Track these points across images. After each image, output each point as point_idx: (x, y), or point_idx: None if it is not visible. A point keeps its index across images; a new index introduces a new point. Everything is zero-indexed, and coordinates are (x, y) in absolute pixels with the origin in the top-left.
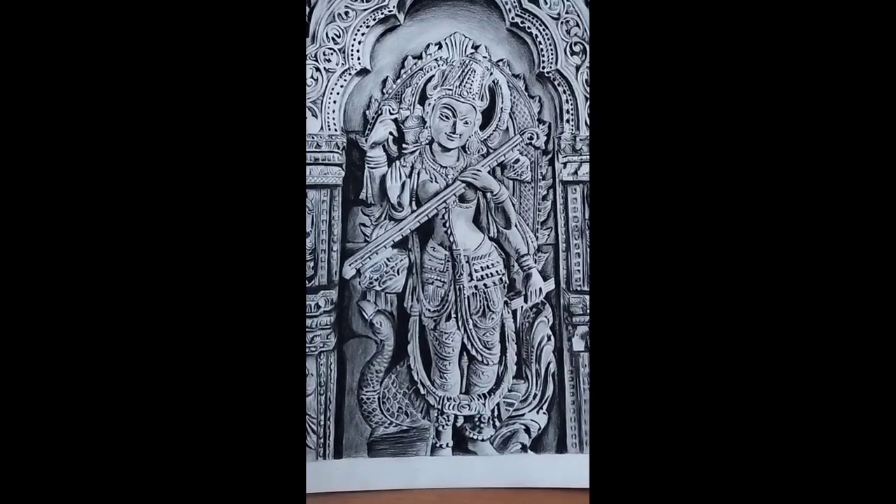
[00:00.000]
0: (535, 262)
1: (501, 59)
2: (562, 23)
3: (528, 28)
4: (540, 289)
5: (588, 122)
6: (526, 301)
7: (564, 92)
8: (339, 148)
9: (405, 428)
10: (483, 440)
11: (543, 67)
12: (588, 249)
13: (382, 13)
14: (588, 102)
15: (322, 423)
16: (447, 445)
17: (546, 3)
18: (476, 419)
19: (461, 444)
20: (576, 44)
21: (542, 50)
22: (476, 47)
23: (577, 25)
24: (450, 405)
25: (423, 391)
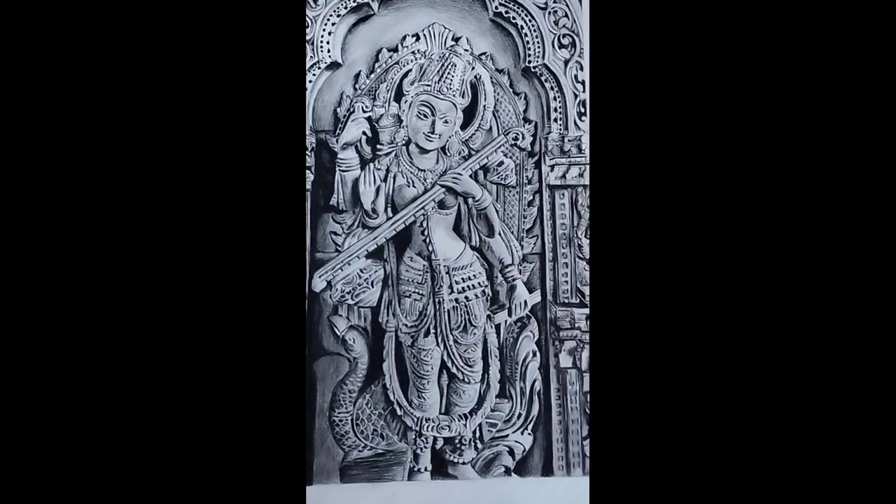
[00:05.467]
0: (521, 273)
1: (484, 53)
2: (549, 13)
3: (513, 19)
4: (525, 301)
5: (577, 123)
6: (510, 315)
7: (552, 89)
8: (308, 149)
9: (381, 451)
10: (464, 463)
11: (529, 62)
12: (577, 259)
13: (355, 1)
14: (577, 100)
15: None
16: (426, 469)
17: None
18: (457, 441)
19: (441, 468)
20: (564, 36)
21: (528, 43)
22: (457, 39)
23: (566, 16)
24: (428, 426)
25: (399, 412)
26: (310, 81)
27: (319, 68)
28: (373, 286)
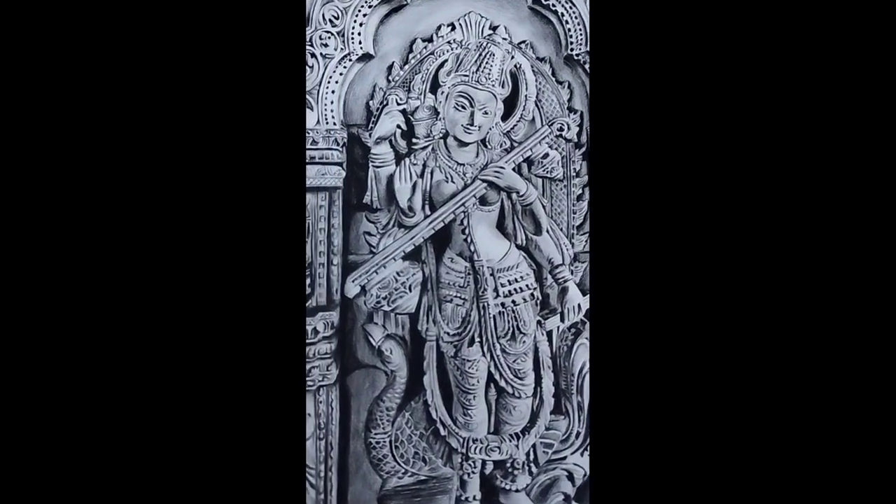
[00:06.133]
0: (572, 274)
1: (524, 41)
2: None
3: (553, 6)
4: (579, 305)
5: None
6: (563, 320)
7: None
8: (338, 144)
9: (423, 478)
10: (517, 490)
11: (572, 49)
12: None
13: None
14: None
15: (322, 473)
16: (475, 498)
17: None
18: (508, 465)
19: (491, 497)
20: None
21: (569, 30)
22: (494, 28)
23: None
24: (476, 448)
25: (443, 432)
26: (341, 74)
27: (351, 60)
28: (411, 290)
